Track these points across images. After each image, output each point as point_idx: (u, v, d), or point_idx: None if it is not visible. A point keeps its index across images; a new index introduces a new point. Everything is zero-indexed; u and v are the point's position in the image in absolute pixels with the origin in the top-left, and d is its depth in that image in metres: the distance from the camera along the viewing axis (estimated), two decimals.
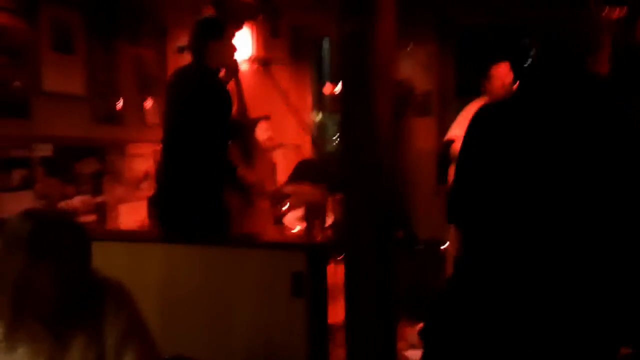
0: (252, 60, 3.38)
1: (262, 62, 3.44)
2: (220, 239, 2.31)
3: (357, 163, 2.36)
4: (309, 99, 6.20)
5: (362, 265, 2.37)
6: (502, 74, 3.77)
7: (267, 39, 5.26)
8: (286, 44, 5.68)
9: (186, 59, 2.92)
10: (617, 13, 3.52)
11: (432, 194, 5.21)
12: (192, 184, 2.70)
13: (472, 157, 1.69)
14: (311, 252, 2.31)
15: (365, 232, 2.40)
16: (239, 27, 4.83)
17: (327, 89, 6.77)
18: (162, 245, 2.32)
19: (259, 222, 3.07)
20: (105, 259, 1.57)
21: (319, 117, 6.70)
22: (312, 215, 3.94)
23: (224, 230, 2.82)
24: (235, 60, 2.97)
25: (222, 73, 2.92)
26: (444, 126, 5.44)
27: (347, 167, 2.37)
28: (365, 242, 2.34)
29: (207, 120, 2.66)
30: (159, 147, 4.36)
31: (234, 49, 2.88)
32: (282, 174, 4.71)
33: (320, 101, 6.63)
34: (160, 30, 4.40)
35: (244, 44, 5.27)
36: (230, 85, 3.01)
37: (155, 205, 2.92)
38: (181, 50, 2.85)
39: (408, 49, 5.29)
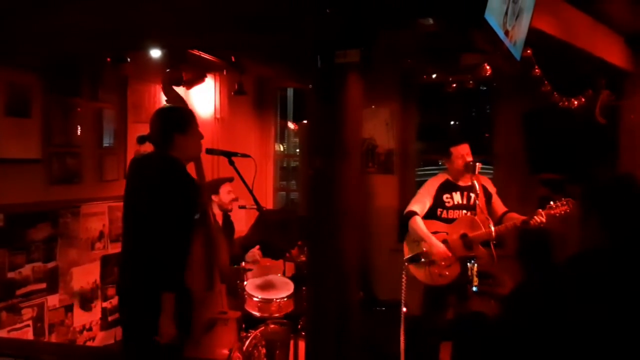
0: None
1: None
2: None
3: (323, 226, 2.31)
4: (272, 133, 6.20)
5: (324, 329, 2.28)
6: (463, 153, 3.80)
7: (230, 94, 5.20)
8: (250, 97, 5.63)
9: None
10: (577, 102, 3.66)
11: (392, 251, 5.18)
12: (154, 272, 2.60)
13: None
14: None
15: (327, 295, 2.35)
16: (202, 81, 4.76)
17: (290, 125, 6.95)
18: None
19: (218, 307, 2.98)
20: None
21: (282, 147, 6.96)
22: None
23: (186, 317, 2.73)
24: (199, 149, 2.86)
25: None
26: (406, 184, 5.48)
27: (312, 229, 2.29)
28: (328, 305, 2.26)
29: (174, 210, 2.55)
30: (115, 204, 4.24)
31: (199, 140, 2.77)
32: (244, 227, 4.64)
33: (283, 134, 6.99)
34: (120, 83, 4.30)
35: (208, 100, 5.21)
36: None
37: (117, 290, 2.80)
38: (142, 141, 2.71)
39: (372, 107, 5.32)
